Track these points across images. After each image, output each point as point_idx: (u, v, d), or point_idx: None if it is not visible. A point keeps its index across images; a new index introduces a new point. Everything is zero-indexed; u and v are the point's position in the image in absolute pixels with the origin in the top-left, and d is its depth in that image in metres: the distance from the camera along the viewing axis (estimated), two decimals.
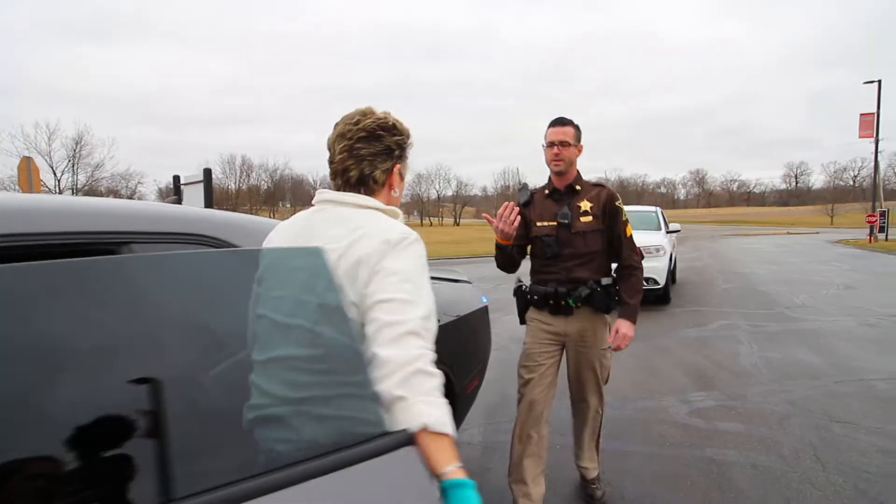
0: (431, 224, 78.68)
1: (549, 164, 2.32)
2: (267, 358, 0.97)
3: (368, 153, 1.16)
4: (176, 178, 7.70)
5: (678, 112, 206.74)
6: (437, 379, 0.97)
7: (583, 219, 2.26)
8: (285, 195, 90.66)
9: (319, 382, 0.97)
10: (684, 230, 14.53)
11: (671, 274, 8.81)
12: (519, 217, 2.10)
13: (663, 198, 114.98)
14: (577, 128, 2.31)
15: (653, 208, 9.69)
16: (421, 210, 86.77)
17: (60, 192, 61.21)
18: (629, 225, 2.34)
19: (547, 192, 2.35)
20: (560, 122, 2.31)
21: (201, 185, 6.55)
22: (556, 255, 2.24)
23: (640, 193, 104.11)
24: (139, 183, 74.69)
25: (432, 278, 1.21)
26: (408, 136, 1.25)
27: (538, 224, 2.29)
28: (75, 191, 62.45)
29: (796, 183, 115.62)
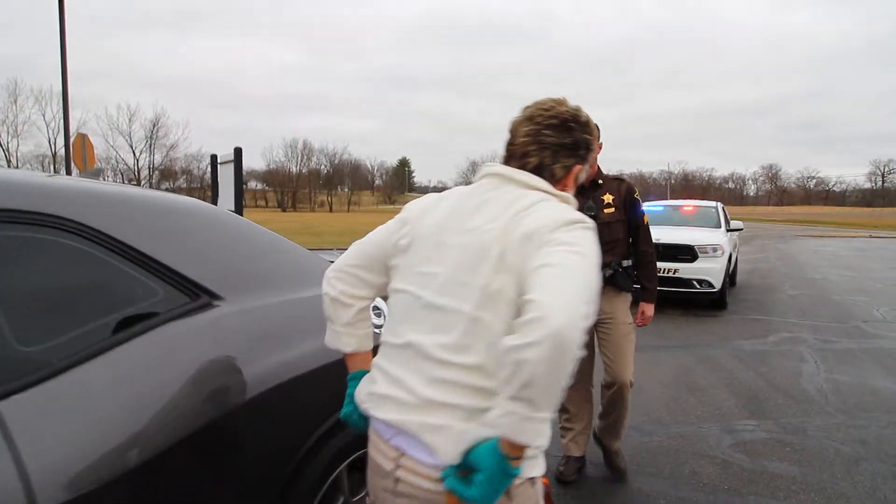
0: None
1: None
2: (405, 342, 0.98)
3: (554, 142, 1.09)
4: (213, 158, 7.72)
5: (748, 104, 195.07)
6: None
7: (606, 210, 2.53)
8: (343, 179, 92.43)
9: (472, 386, 0.92)
10: (752, 229, 13.41)
11: (730, 276, 8.01)
12: None
13: (731, 193, 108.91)
14: (597, 127, 2.19)
15: (713, 204, 8.84)
16: None
17: (139, 171, 65.58)
18: (646, 215, 2.64)
19: None
20: None
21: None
22: None
23: (705, 188, 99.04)
24: (209, 165, 78.46)
25: None
26: (596, 139, 1.20)
27: None
28: (152, 169, 66.58)
29: (883, 182, 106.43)
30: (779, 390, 4.02)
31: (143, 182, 66.69)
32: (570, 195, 1.12)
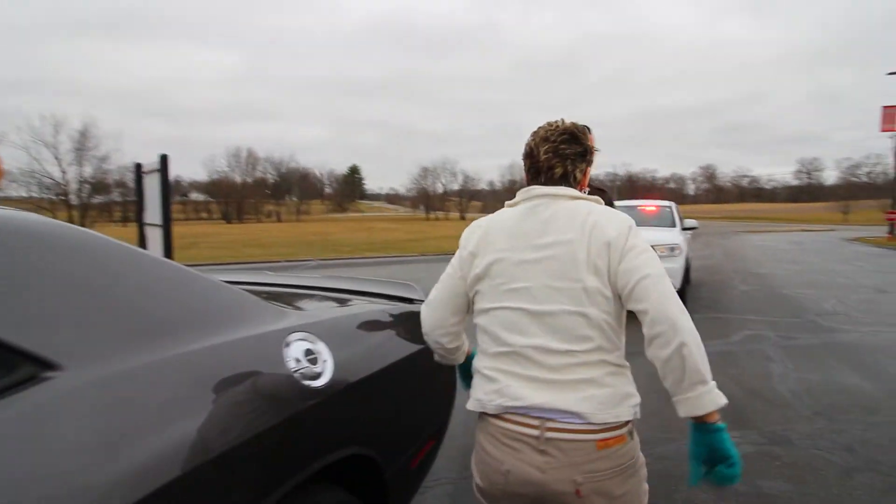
0: (437, 218, 77.83)
1: None
2: (522, 345, 1.18)
3: (571, 152, 1.28)
4: (138, 167, 7.00)
5: (684, 109, 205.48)
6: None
7: None
8: (291, 188, 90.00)
9: (596, 362, 1.17)
10: None
11: (686, 275, 8.00)
12: None
13: (673, 193, 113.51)
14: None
15: (668, 203, 8.85)
16: (426, 204, 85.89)
17: (66, 184, 61.38)
18: None
19: None
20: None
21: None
22: None
23: (649, 188, 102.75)
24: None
25: (361, 294, 1.61)
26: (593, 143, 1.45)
27: None
28: (81, 182, 62.44)
29: (808, 179, 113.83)
30: (754, 395, 3.85)
31: (71, 195, 62.65)
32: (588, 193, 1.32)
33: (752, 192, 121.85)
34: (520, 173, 3.22)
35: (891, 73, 25.89)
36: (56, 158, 59.72)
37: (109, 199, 71.13)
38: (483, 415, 1.25)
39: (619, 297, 1.17)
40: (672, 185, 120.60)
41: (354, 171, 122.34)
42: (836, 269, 12.19)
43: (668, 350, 1.08)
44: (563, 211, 1.21)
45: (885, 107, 26.15)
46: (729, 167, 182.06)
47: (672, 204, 8.85)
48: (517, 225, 1.25)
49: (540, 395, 1.15)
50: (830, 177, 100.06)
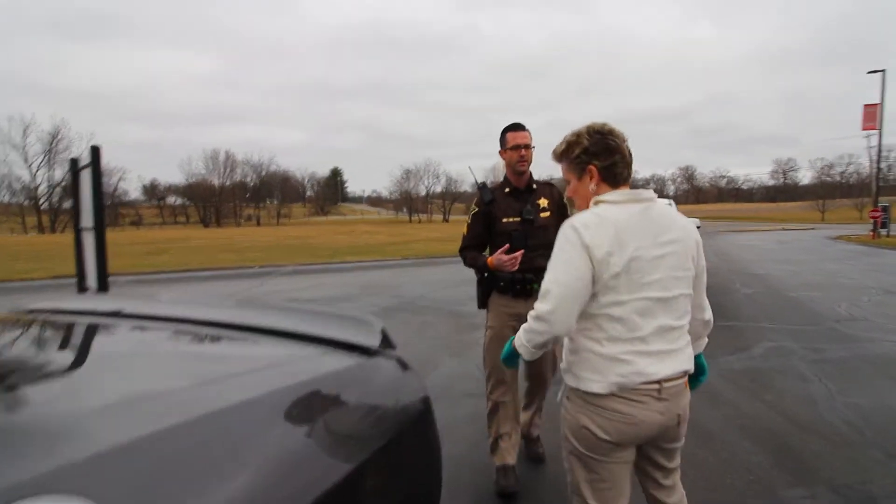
0: (420, 221, 76.97)
1: (513, 166, 2.58)
2: (653, 329, 1.43)
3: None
4: (73, 162, 6.12)
5: (658, 111, 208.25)
6: None
7: (542, 214, 2.59)
8: (273, 192, 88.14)
9: (685, 332, 1.54)
10: None
11: None
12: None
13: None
14: (506, 131, 2.62)
15: (666, 201, 8.24)
16: (409, 206, 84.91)
17: (37, 187, 59.05)
18: None
19: (507, 190, 2.62)
20: (522, 127, 2.61)
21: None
22: (523, 247, 2.47)
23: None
24: (121, 179, 72.41)
25: (284, 335, 1.19)
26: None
27: (504, 220, 2.57)
28: (52, 186, 60.10)
29: (784, 179, 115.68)
30: (805, 429, 3.18)
31: (41, 200, 60.28)
32: None
33: (730, 193, 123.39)
34: (501, 176, 2.68)
35: (872, 72, 25.93)
36: (25, 161, 57.53)
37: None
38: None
39: None
40: (652, 186, 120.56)
41: (336, 173, 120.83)
42: (833, 269, 11.76)
43: (700, 326, 1.63)
44: (662, 211, 1.48)
45: (867, 105, 26.19)
46: (707, 168, 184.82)
47: (671, 201, 8.25)
48: (640, 225, 1.43)
49: (666, 367, 1.44)
50: (805, 177, 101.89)
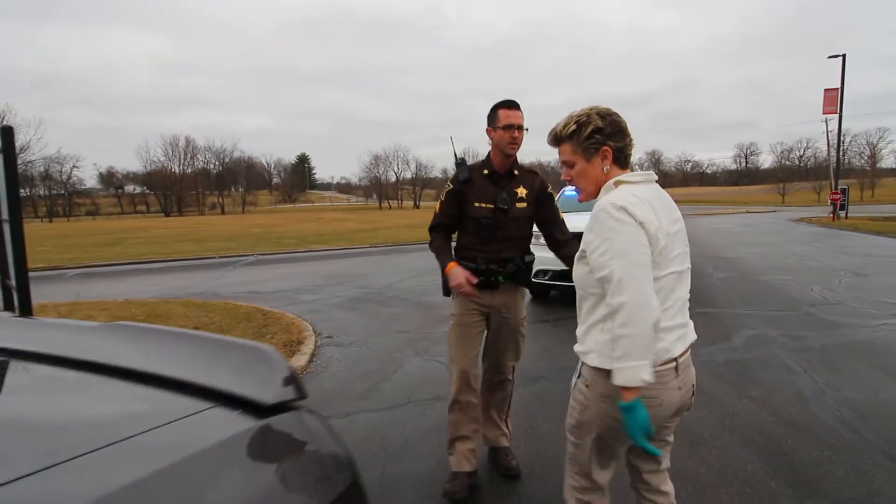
0: (391, 207, 76.01)
1: (503, 148, 2.31)
2: (674, 301, 1.44)
3: None
4: None
5: (623, 97, 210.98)
6: None
7: (518, 205, 2.37)
8: (237, 179, 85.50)
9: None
10: None
11: None
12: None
13: None
14: (495, 109, 2.35)
15: None
16: (379, 193, 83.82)
17: None
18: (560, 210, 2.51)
19: (486, 171, 2.38)
20: (516, 105, 2.32)
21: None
22: (490, 237, 2.34)
23: None
24: (75, 167, 69.03)
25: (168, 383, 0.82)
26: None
27: (476, 205, 2.35)
28: None
29: (746, 163, 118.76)
30: (799, 430, 2.94)
31: None
32: None
33: (694, 177, 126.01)
34: (473, 160, 2.37)
35: (832, 57, 26.44)
36: None
37: (33, 194, 65.43)
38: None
39: None
40: None
41: (303, 160, 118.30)
42: (800, 252, 11.86)
43: None
44: (662, 191, 1.52)
45: (827, 90, 26.70)
46: (673, 152, 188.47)
47: None
48: (660, 203, 1.46)
49: (682, 342, 1.48)
50: (766, 161, 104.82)
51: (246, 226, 31.15)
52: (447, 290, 2.44)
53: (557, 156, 1.57)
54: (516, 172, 2.39)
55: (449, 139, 2.80)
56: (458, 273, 2.26)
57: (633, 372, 1.26)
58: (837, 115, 26.26)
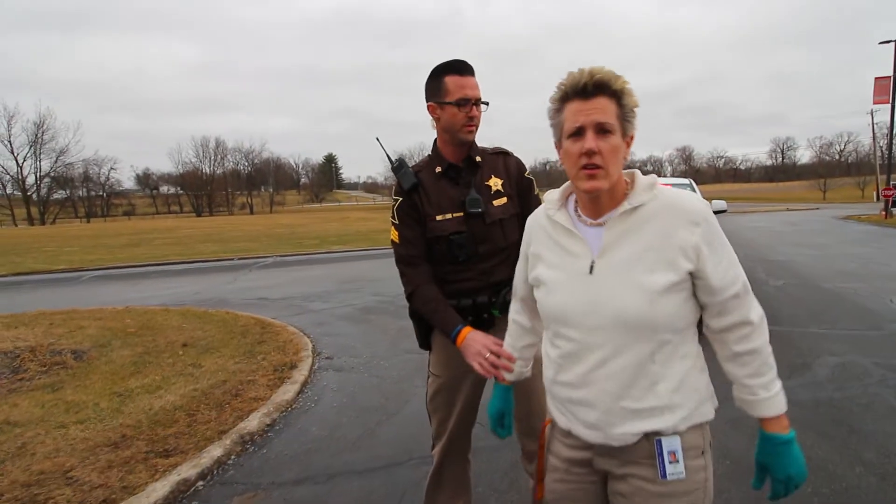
0: None
1: (456, 131, 1.65)
2: None
3: None
4: None
5: (647, 91, 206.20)
6: None
7: (496, 202, 1.71)
8: (266, 179, 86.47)
9: None
10: None
11: None
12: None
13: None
14: (441, 72, 1.67)
15: (685, 180, 7.11)
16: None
17: (24, 178, 57.43)
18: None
19: (438, 169, 1.71)
20: (469, 68, 1.65)
21: None
22: (469, 257, 1.68)
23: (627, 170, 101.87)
24: (112, 168, 70.99)
25: None
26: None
27: (438, 218, 1.67)
28: (39, 177, 58.56)
29: (783, 158, 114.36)
30: None
31: (29, 191, 58.66)
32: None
33: (727, 173, 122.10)
34: None
35: (883, 42, 24.63)
36: (11, 152, 56.00)
37: (73, 195, 67.36)
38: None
39: None
40: (649, 167, 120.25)
41: (330, 159, 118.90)
42: (860, 254, 10.70)
43: None
44: None
45: (878, 78, 24.91)
46: (705, 148, 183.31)
47: (691, 181, 7.13)
48: None
49: None
50: (804, 156, 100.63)
51: (271, 226, 31.07)
52: (424, 342, 1.82)
53: (569, 112, 1.04)
54: (478, 159, 1.72)
55: (376, 140, 1.98)
56: (478, 343, 1.49)
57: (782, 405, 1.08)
58: (890, 105, 24.45)
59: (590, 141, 1.01)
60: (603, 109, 1.02)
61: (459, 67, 1.63)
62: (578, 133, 1.02)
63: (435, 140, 1.74)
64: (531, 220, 1.25)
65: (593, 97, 1.02)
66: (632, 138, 1.08)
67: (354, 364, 4.43)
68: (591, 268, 1.07)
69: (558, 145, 1.10)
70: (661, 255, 1.03)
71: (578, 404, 1.10)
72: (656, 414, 1.05)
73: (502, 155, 1.79)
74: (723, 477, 2.48)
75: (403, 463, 2.70)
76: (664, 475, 1.05)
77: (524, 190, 1.77)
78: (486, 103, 1.68)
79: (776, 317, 5.53)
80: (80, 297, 8.82)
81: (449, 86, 1.63)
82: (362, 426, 3.16)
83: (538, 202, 1.79)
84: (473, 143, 1.72)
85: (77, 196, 69.84)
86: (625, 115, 1.05)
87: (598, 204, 1.09)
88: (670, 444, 1.06)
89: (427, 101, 1.68)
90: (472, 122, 1.65)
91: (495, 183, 1.72)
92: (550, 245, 1.16)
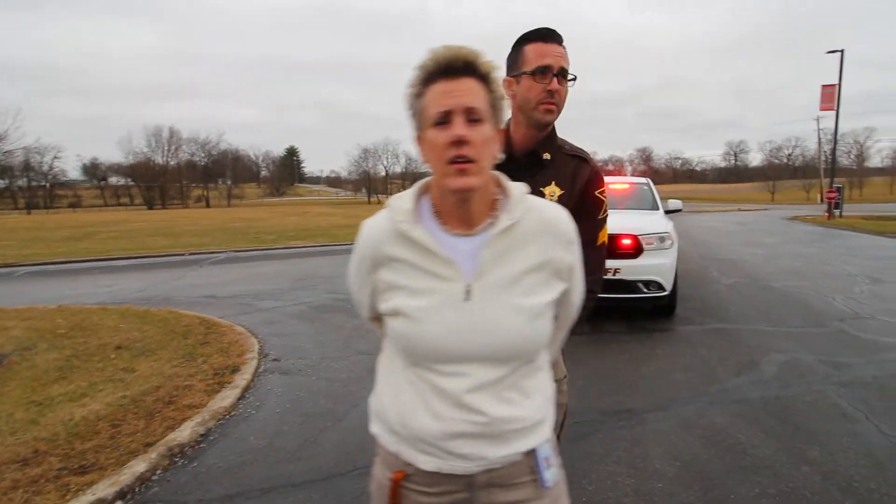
0: (379, 202, 74.86)
1: (531, 108, 1.35)
2: None
3: None
4: None
5: (612, 94, 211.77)
6: None
7: None
8: (224, 171, 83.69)
9: None
10: None
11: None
12: None
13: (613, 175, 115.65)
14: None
15: (643, 180, 7.17)
16: (368, 187, 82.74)
17: None
18: (606, 227, 1.47)
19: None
20: (555, 35, 1.36)
21: None
22: None
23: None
24: (56, 157, 67.10)
25: None
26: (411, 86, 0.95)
27: None
28: None
29: (735, 161, 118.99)
30: None
31: None
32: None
33: (684, 174, 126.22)
34: None
35: (830, 52, 25.82)
36: None
37: (11, 185, 63.41)
38: None
39: None
40: (611, 167, 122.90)
41: (292, 152, 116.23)
42: (806, 253, 11.14)
43: None
44: None
45: (825, 86, 26.08)
46: (663, 150, 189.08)
47: (648, 180, 7.19)
48: None
49: None
50: (755, 158, 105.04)
51: (227, 220, 30.03)
52: None
53: (432, 95, 0.90)
54: (546, 156, 1.41)
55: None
56: None
57: None
58: (835, 112, 25.69)
59: (459, 127, 0.87)
60: (472, 91, 0.88)
61: (545, 34, 1.37)
62: (445, 120, 0.88)
63: (508, 124, 1.41)
64: (371, 234, 1.00)
65: (461, 76, 0.88)
66: (502, 133, 0.95)
67: (302, 366, 4.22)
68: (468, 293, 0.91)
69: (419, 138, 0.94)
70: (539, 276, 0.94)
71: (452, 437, 0.94)
72: (536, 429, 0.98)
73: (577, 159, 1.44)
74: (673, 480, 2.44)
75: (346, 474, 2.54)
76: (544, 483, 0.97)
77: (584, 208, 1.40)
78: (574, 78, 1.38)
79: (726, 315, 5.63)
80: (9, 295, 8.21)
81: (528, 54, 1.35)
82: (305, 434, 2.98)
83: (596, 227, 1.44)
84: (552, 131, 1.41)
85: (17, 186, 65.86)
86: (495, 103, 0.92)
87: (466, 208, 0.92)
88: (543, 449, 0.99)
89: (506, 76, 1.40)
90: (551, 99, 1.34)
91: (552, 192, 1.40)
92: (406, 269, 0.95)
